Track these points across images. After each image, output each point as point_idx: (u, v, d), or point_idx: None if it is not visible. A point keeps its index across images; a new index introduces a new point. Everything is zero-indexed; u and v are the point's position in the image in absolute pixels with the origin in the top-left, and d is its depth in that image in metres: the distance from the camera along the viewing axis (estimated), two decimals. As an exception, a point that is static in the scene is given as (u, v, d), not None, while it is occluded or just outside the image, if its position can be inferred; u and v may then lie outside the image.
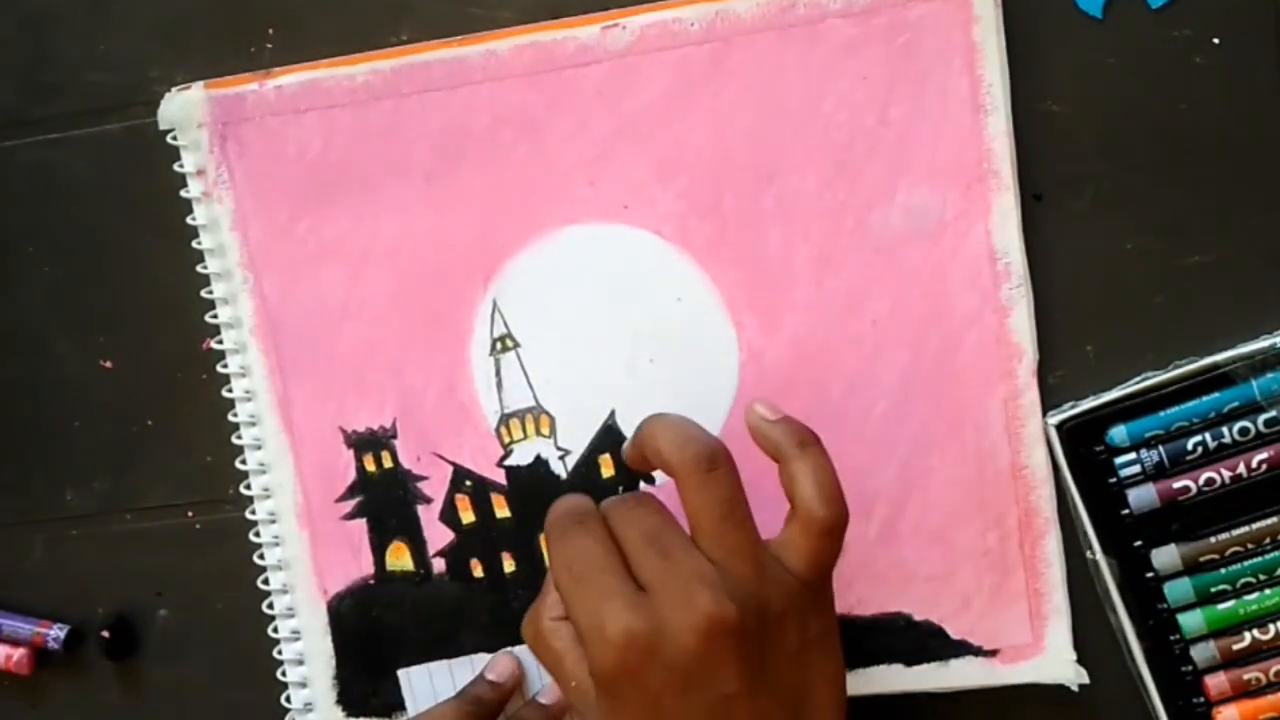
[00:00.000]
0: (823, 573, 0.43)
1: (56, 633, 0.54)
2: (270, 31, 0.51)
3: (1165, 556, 0.48)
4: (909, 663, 0.50)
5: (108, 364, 0.53)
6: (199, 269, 0.52)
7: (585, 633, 0.42)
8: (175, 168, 0.51)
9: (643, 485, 0.51)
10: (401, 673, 0.52)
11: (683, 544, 0.42)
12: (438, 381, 0.51)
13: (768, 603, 0.42)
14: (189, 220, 0.52)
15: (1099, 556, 0.48)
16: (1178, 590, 0.48)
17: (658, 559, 0.42)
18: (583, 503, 0.45)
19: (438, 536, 0.52)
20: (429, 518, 0.52)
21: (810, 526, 0.42)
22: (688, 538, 0.43)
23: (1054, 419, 0.48)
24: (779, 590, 0.42)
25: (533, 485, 0.51)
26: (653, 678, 0.41)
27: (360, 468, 0.52)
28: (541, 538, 0.50)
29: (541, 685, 0.51)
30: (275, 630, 0.53)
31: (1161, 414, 0.48)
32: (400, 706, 0.53)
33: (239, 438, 0.52)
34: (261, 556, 0.53)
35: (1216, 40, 0.47)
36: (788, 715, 0.42)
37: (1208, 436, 0.47)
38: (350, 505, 0.52)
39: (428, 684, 0.52)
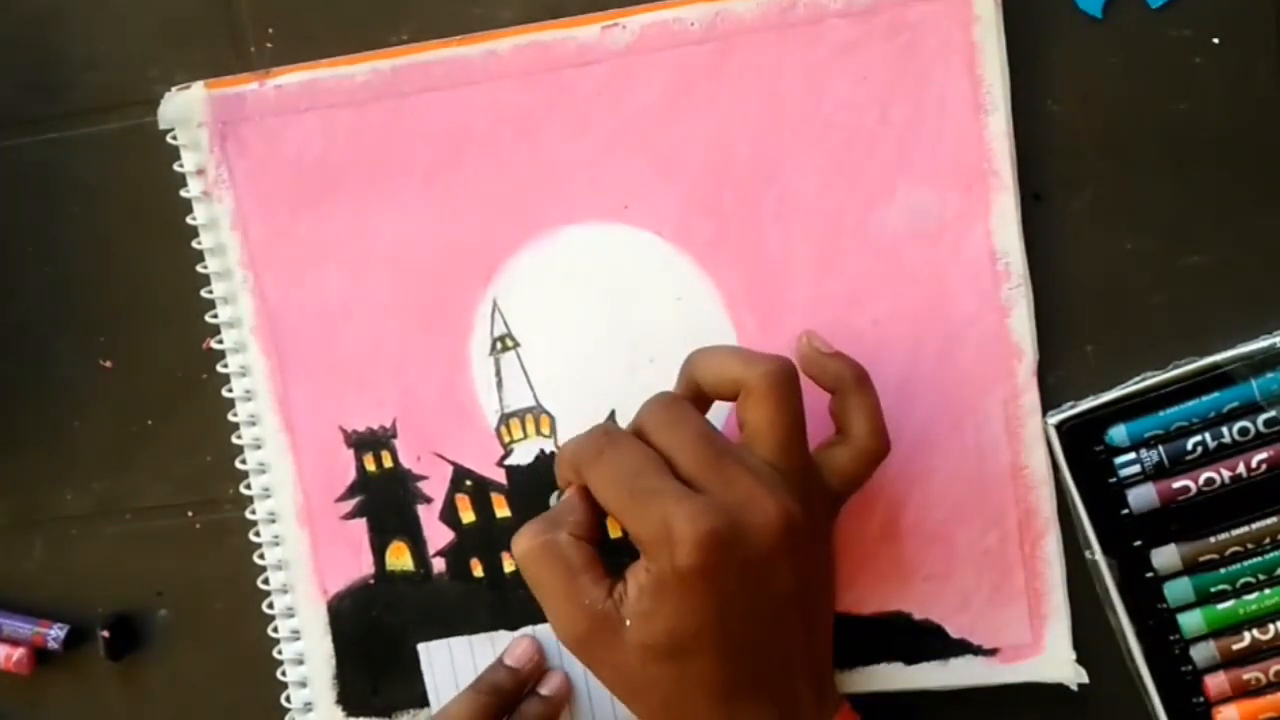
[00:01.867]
0: (854, 491, 0.47)
1: (56, 633, 0.54)
2: (270, 31, 0.51)
3: (1165, 556, 0.48)
4: (909, 661, 0.50)
5: (108, 364, 0.53)
6: (199, 269, 0.52)
7: (656, 539, 0.41)
8: (175, 167, 0.51)
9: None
10: (421, 647, 0.52)
11: (732, 446, 0.44)
12: (438, 381, 0.51)
13: (814, 506, 0.44)
14: (189, 220, 0.52)
15: (1099, 556, 0.48)
16: (1177, 590, 0.48)
17: (716, 461, 0.43)
18: (605, 425, 0.45)
19: (438, 536, 0.52)
20: (429, 517, 0.52)
21: (861, 455, 0.46)
22: (737, 442, 0.44)
23: (1054, 419, 0.48)
24: (822, 496, 0.45)
25: (533, 485, 0.51)
26: (727, 574, 0.42)
27: (360, 467, 0.52)
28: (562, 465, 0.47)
29: (563, 667, 0.51)
30: (275, 630, 0.53)
31: (1161, 414, 0.48)
32: (400, 706, 0.53)
33: (239, 438, 0.52)
34: (261, 556, 0.53)
35: (1216, 40, 0.47)
36: (819, 604, 0.46)
37: (1207, 436, 0.47)
38: (350, 505, 0.52)
39: (447, 660, 0.52)
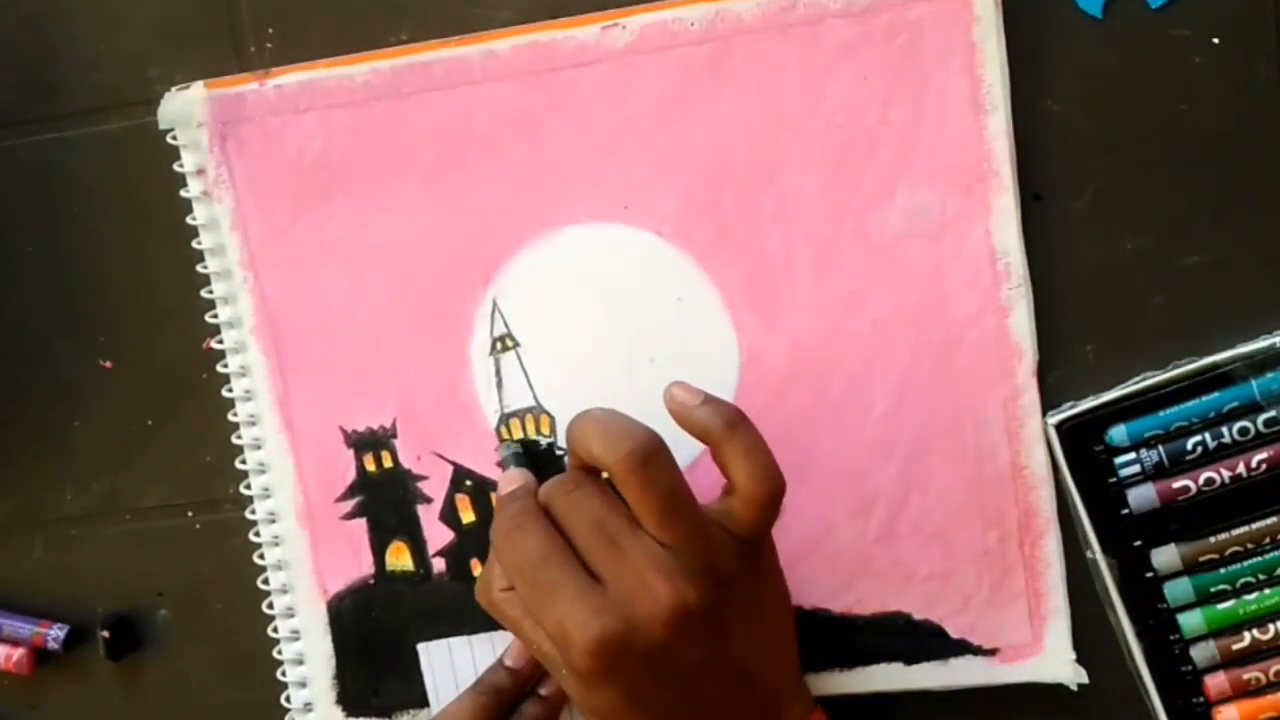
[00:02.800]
0: (765, 533, 0.45)
1: (56, 633, 0.54)
2: (270, 31, 0.51)
3: (1165, 556, 0.48)
4: (908, 662, 0.50)
5: (108, 364, 0.53)
6: (199, 269, 0.52)
7: (554, 638, 0.43)
8: (175, 167, 0.51)
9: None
10: (421, 647, 0.52)
11: (629, 529, 0.43)
12: (438, 381, 0.51)
13: (720, 568, 0.43)
14: (189, 220, 0.52)
15: (1099, 556, 0.48)
16: (1177, 590, 0.48)
17: (608, 550, 0.43)
18: (520, 499, 0.45)
19: (438, 536, 0.52)
20: (429, 517, 0.52)
21: (751, 503, 0.44)
22: (632, 520, 0.43)
23: (1054, 419, 0.48)
24: (726, 553, 0.43)
25: (533, 485, 0.51)
26: (626, 670, 0.42)
27: (360, 467, 0.52)
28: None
29: None
30: (275, 630, 0.53)
31: (1161, 414, 0.48)
32: (400, 706, 0.53)
33: (239, 438, 0.52)
34: (261, 556, 0.53)
35: (1216, 40, 0.47)
36: (751, 657, 0.45)
37: (1207, 436, 0.47)
38: (350, 505, 0.52)
39: (447, 660, 0.52)
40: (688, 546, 0.43)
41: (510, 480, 0.47)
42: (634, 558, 0.42)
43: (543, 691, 0.51)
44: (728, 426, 0.44)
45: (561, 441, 0.51)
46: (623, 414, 0.44)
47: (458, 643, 0.52)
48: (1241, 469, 0.47)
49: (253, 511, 0.52)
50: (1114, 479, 0.48)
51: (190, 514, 0.54)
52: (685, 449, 0.45)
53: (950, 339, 0.49)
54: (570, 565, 0.43)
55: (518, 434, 0.51)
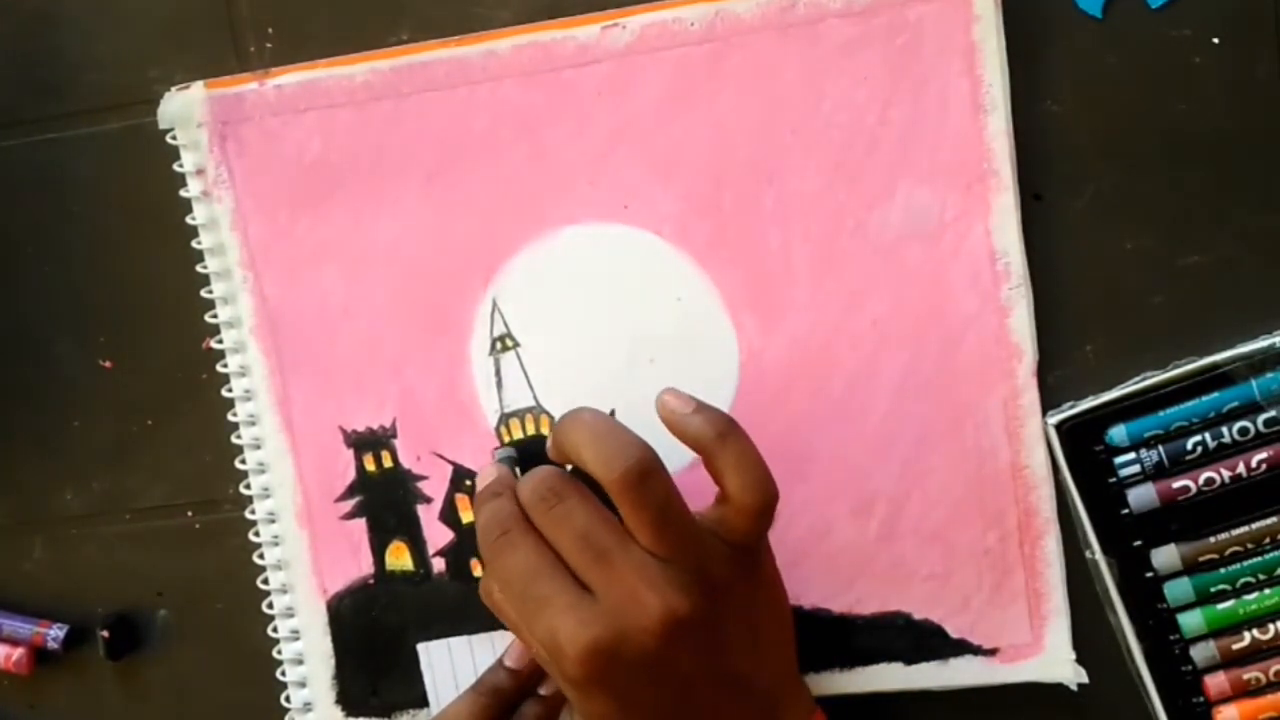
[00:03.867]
0: (758, 540, 0.45)
1: (56, 633, 0.54)
2: (270, 31, 0.51)
3: (1165, 556, 0.48)
4: (908, 661, 0.50)
5: (108, 364, 0.53)
6: (199, 269, 0.52)
7: (545, 649, 0.43)
8: (175, 167, 0.51)
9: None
10: (421, 647, 0.52)
11: (618, 539, 0.43)
12: (438, 381, 0.51)
13: (713, 576, 0.43)
14: (189, 220, 0.52)
15: (1099, 556, 0.48)
16: (1177, 590, 0.48)
17: (596, 563, 0.42)
18: (503, 509, 0.44)
19: (438, 536, 0.52)
20: (429, 517, 0.52)
21: (744, 512, 0.44)
22: (620, 530, 0.43)
23: (1054, 419, 0.48)
24: (720, 561, 0.43)
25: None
26: (618, 678, 0.42)
27: (360, 467, 0.52)
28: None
29: None
30: (275, 630, 0.53)
31: (1161, 414, 0.48)
32: (400, 706, 0.53)
33: (239, 437, 0.52)
34: (261, 556, 0.53)
35: (1216, 40, 0.47)
36: (747, 663, 0.45)
37: (1207, 436, 0.47)
38: (350, 505, 0.52)
39: (447, 660, 0.52)
40: (681, 557, 0.42)
41: (485, 477, 0.47)
42: (624, 570, 0.42)
43: (543, 691, 0.51)
44: (719, 436, 0.44)
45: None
46: (615, 423, 0.44)
47: (458, 643, 0.52)
48: (1241, 469, 0.47)
49: (252, 511, 0.52)
50: (1114, 479, 0.48)
51: (190, 514, 0.54)
52: (682, 452, 0.45)
53: (950, 339, 0.49)
54: (560, 577, 0.43)
55: (518, 434, 0.51)
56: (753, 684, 0.45)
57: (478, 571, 0.52)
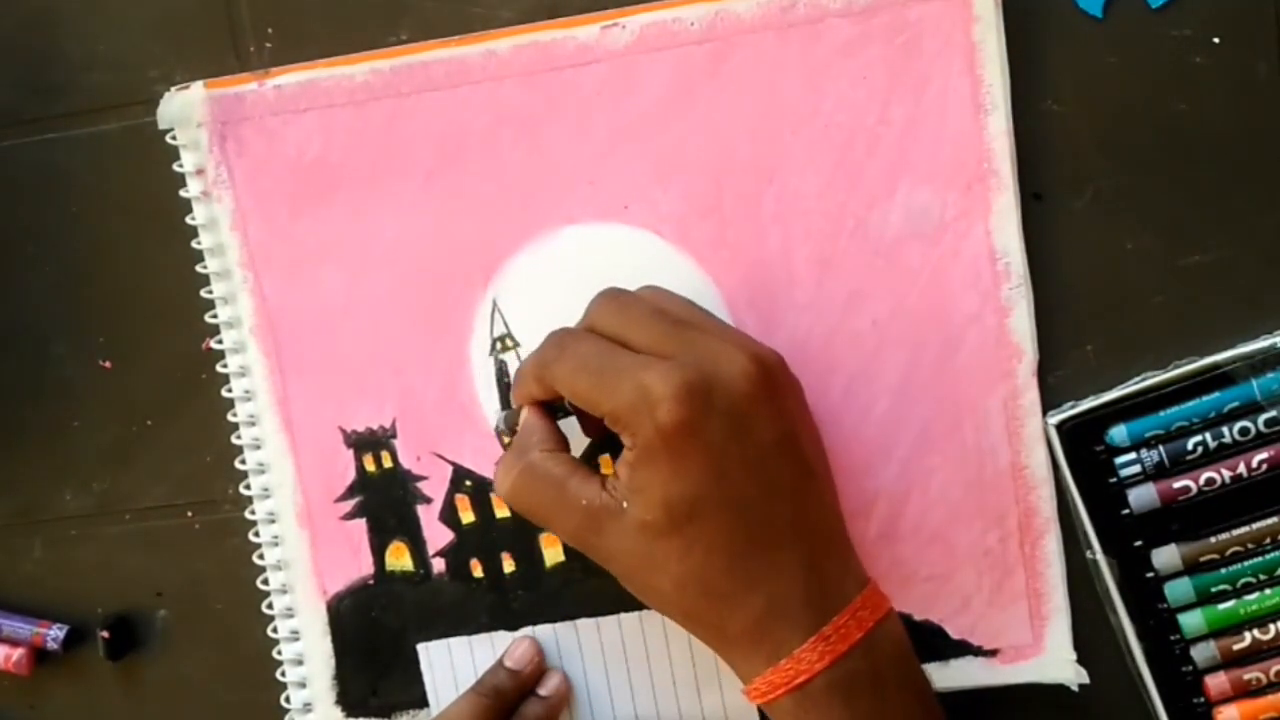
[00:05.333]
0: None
1: (56, 633, 0.54)
2: (270, 31, 0.51)
3: (1165, 556, 0.48)
4: (909, 663, 0.50)
5: (107, 364, 0.53)
6: (199, 269, 0.52)
7: (634, 407, 0.41)
8: (175, 167, 0.51)
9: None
10: (421, 648, 0.52)
11: (691, 313, 0.44)
12: (438, 381, 0.51)
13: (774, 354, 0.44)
14: (189, 220, 0.52)
15: (1099, 556, 0.48)
16: (1178, 590, 0.48)
17: (675, 330, 0.43)
18: (557, 330, 0.45)
19: (437, 536, 0.52)
20: (429, 518, 0.52)
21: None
22: (692, 307, 0.45)
23: (1054, 419, 0.48)
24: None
25: (533, 485, 0.51)
26: (710, 426, 0.42)
27: (360, 468, 0.52)
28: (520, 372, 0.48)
29: (563, 667, 0.51)
30: (275, 630, 0.53)
31: (1161, 414, 0.48)
32: (400, 707, 0.53)
33: (239, 438, 0.52)
34: (261, 556, 0.53)
35: (1216, 40, 0.47)
36: (817, 461, 0.45)
37: (1208, 436, 0.47)
38: (350, 505, 0.52)
39: (447, 660, 0.52)
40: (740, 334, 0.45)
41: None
42: (704, 333, 0.43)
43: (542, 692, 0.51)
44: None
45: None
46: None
47: (457, 643, 0.52)
48: (1242, 469, 0.47)
49: (252, 511, 0.52)
50: (1114, 479, 0.48)
51: (190, 514, 0.54)
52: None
53: (950, 339, 0.49)
54: (637, 353, 0.43)
55: (518, 434, 0.51)
56: (826, 491, 0.45)
57: (478, 571, 0.52)
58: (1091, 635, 0.49)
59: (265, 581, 0.53)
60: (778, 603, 0.43)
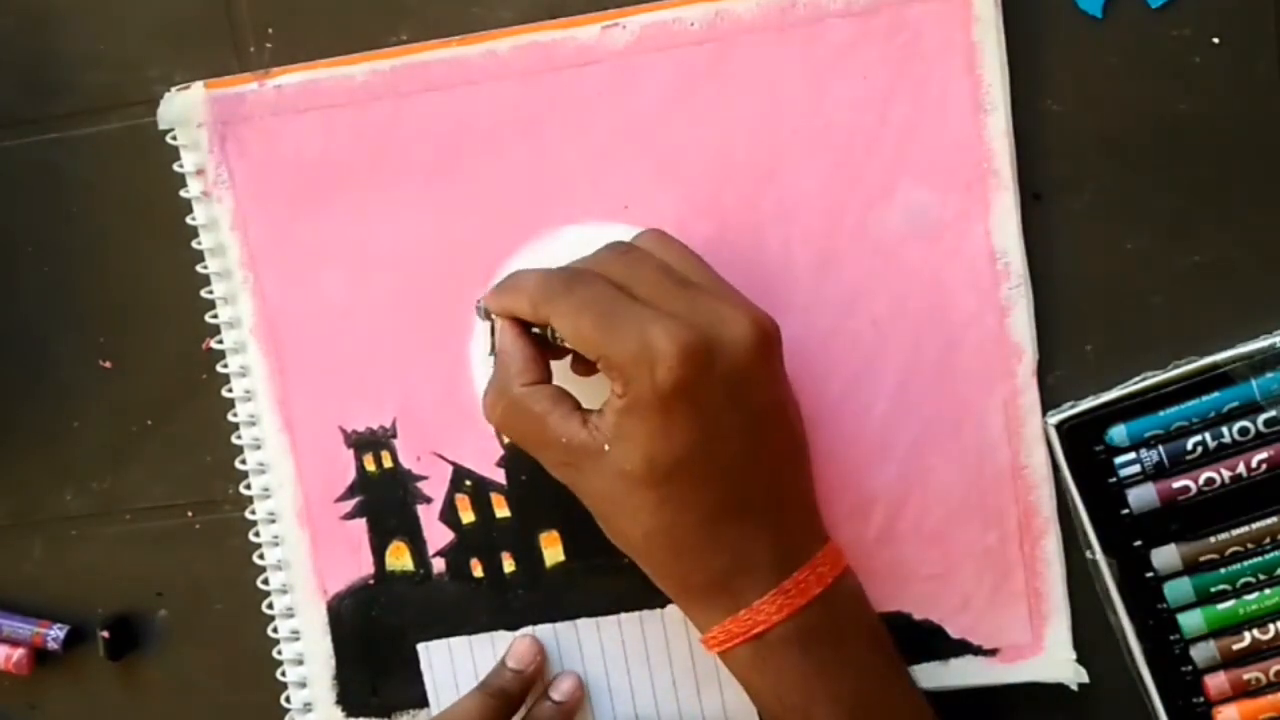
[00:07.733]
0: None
1: (56, 633, 0.54)
2: (270, 31, 0.51)
3: (1165, 556, 0.48)
4: (909, 662, 0.50)
5: (107, 364, 0.53)
6: (199, 269, 0.52)
7: (634, 359, 0.41)
8: (175, 167, 0.51)
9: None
10: (421, 647, 0.52)
11: (699, 273, 0.44)
12: (438, 381, 0.51)
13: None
14: (189, 220, 0.52)
15: (1099, 556, 0.48)
16: (1178, 590, 0.48)
17: (680, 289, 0.43)
18: (564, 266, 0.45)
19: (438, 536, 0.52)
20: (429, 518, 0.52)
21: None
22: (700, 264, 0.45)
23: (1054, 419, 0.48)
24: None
25: (534, 485, 0.51)
26: (708, 390, 0.42)
27: (360, 468, 0.52)
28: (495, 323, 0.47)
29: (562, 667, 0.51)
30: (275, 630, 0.53)
31: (1161, 414, 0.48)
32: (400, 707, 0.53)
33: (239, 438, 0.52)
34: (261, 556, 0.53)
35: (1216, 40, 0.47)
36: (798, 426, 0.46)
37: (1207, 436, 0.47)
38: (350, 505, 0.52)
39: (447, 660, 0.52)
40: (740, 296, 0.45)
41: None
42: (707, 294, 0.43)
43: (556, 696, 0.50)
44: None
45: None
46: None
47: (458, 643, 0.52)
48: (1242, 469, 0.47)
49: (252, 511, 0.52)
50: (1114, 479, 0.48)
51: (190, 514, 0.54)
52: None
53: (950, 339, 0.49)
54: (643, 303, 0.43)
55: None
56: (799, 459, 0.46)
57: (478, 571, 0.52)
58: (1091, 635, 0.49)
59: (265, 581, 0.53)
60: (742, 561, 0.44)
